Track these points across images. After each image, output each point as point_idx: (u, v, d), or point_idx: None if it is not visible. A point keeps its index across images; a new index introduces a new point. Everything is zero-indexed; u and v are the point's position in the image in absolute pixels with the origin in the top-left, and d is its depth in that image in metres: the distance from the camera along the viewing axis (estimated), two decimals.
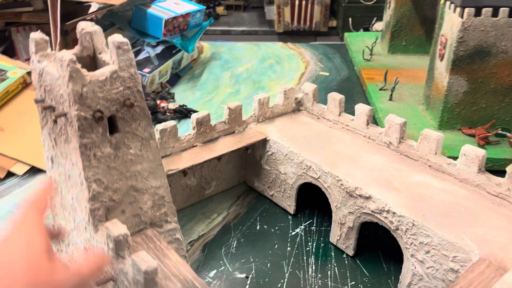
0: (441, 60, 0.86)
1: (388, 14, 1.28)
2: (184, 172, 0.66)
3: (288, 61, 1.34)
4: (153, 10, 1.12)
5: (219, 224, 0.69)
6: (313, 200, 0.71)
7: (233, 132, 0.73)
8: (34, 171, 0.80)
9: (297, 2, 2.01)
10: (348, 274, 0.60)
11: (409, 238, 0.54)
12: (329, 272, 0.61)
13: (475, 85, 0.83)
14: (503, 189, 0.56)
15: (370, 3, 1.94)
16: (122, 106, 0.46)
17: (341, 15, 2.03)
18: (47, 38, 0.47)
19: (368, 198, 0.58)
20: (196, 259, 0.63)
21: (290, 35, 2.10)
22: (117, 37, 0.44)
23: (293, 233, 0.67)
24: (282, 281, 0.59)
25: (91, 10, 1.22)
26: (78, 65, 0.42)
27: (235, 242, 0.66)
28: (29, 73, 0.95)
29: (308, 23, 2.07)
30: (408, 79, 1.11)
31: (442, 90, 0.86)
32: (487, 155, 0.80)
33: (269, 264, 0.62)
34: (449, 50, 0.82)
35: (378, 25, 1.75)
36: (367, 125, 0.69)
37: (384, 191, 0.58)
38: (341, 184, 0.61)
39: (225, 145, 0.70)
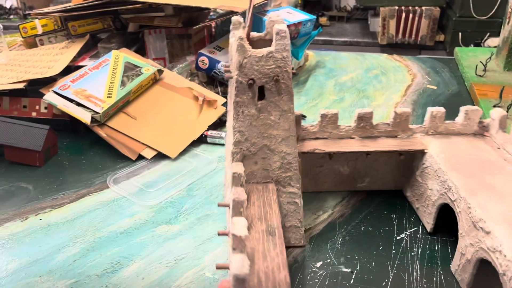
0: None
1: (506, 29, 1.23)
2: (330, 155, 0.73)
3: (394, 73, 1.34)
4: None
5: (324, 221, 0.73)
6: (450, 223, 0.67)
7: (396, 137, 0.75)
8: (160, 156, 0.91)
9: (403, 15, 1.98)
10: (454, 283, 0.60)
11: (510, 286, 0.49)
12: (434, 279, 0.61)
13: None
14: None
15: (484, 18, 1.85)
16: (271, 80, 0.58)
17: (451, 30, 1.96)
18: (241, 20, 0.62)
19: (488, 233, 0.54)
20: (302, 249, 0.67)
21: (394, 48, 2.08)
22: (278, 25, 0.57)
23: (398, 237, 0.69)
24: (386, 280, 0.61)
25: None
26: (245, 42, 0.57)
27: (340, 239, 0.69)
28: (159, 71, 1.07)
29: (413, 36, 2.03)
30: None
31: None
32: None
33: (373, 263, 0.64)
34: None
35: (492, 41, 1.68)
36: None
37: (510, 233, 0.52)
38: (470, 212, 0.58)
39: (379, 145, 0.73)
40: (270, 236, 0.54)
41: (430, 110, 0.73)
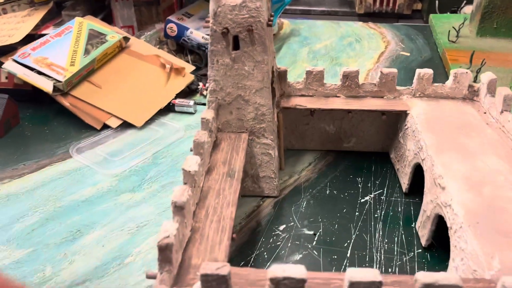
0: None
1: None
2: (311, 112, 0.73)
3: (368, 40, 1.32)
4: None
5: (290, 185, 0.73)
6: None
7: (382, 97, 0.74)
8: (125, 125, 0.89)
9: None
10: (415, 242, 0.61)
11: (455, 239, 0.49)
12: (396, 239, 0.62)
13: None
14: None
15: None
16: (245, 30, 0.59)
17: None
18: None
19: (443, 188, 0.54)
20: (267, 214, 0.67)
21: (371, 17, 2.05)
22: None
23: (363, 200, 0.69)
24: (348, 241, 0.61)
25: None
26: None
27: (305, 203, 0.69)
28: (125, 38, 1.04)
29: (391, 5, 2.01)
30: (496, 63, 1.06)
31: None
32: None
33: (336, 226, 0.64)
34: None
35: (468, 9, 1.66)
36: None
37: (463, 189, 0.52)
38: (433, 170, 0.58)
39: (362, 104, 0.73)
40: (229, 178, 0.57)
41: (418, 71, 0.72)
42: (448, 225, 0.51)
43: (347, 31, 1.40)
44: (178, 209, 0.44)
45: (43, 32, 1.11)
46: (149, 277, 0.42)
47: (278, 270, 0.35)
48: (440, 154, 0.59)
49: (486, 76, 0.68)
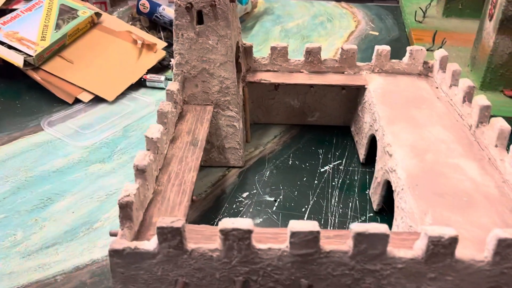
0: (490, 20, 0.86)
1: None
2: (275, 86, 0.77)
3: (340, 19, 1.35)
4: None
5: (255, 156, 0.76)
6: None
7: (343, 73, 0.77)
8: (97, 99, 0.90)
9: None
10: (368, 207, 0.65)
11: (398, 200, 0.53)
12: (350, 204, 0.66)
13: None
14: None
15: None
16: (208, 5, 0.62)
17: None
18: None
19: (391, 155, 0.58)
20: (231, 182, 0.70)
21: None
22: None
23: (322, 170, 0.73)
24: (306, 206, 0.66)
25: None
26: None
27: (268, 172, 0.72)
28: (97, 14, 1.04)
29: None
30: (459, 42, 1.11)
31: (487, 50, 0.86)
32: None
33: (296, 192, 0.68)
34: (498, 10, 0.82)
35: None
36: (463, 103, 0.63)
37: (408, 156, 0.55)
38: (383, 139, 0.62)
39: (324, 79, 0.76)
40: (192, 146, 0.60)
41: (376, 48, 0.76)
42: (393, 188, 0.55)
43: (320, 10, 1.43)
44: (140, 172, 0.47)
45: (14, 6, 1.10)
46: (112, 234, 0.45)
47: (228, 222, 0.39)
48: (391, 125, 0.63)
49: (438, 53, 0.72)
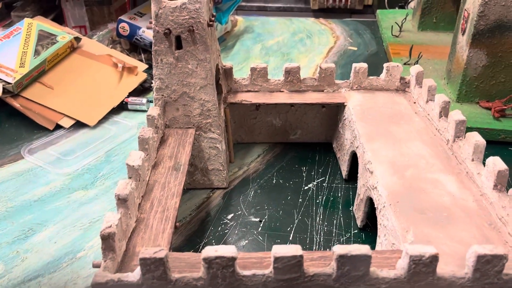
0: (463, 34, 0.88)
1: None
2: (257, 106, 0.78)
3: (319, 36, 1.38)
4: None
5: (239, 176, 0.76)
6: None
7: (322, 91, 0.78)
8: (78, 124, 0.90)
9: None
10: (352, 224, 0.66)
11: (380, 218, 0.54)
12: (335, 221, 0.67)
13: (495, 59, 0.85)
14: (504, 213, 0.50)
15: None
16: (186, 30, 0.62)
17: None
18: None
19: (371, 172, 0.58)
20: (216, 204, 0.70)
21: (325, 12, 2.12)
22: None
23: (306, 187, 0.74)
24: (291, 225, 0.66)
25: None
26: None
27: (252, 192, 0.73)
28: (76, 39, 1.04)
29: (343, 0, 2.08)
30: (434, 55, 1.13)
31: (461, 63, 0.88)
32: (502, 127, 0.83)
33: (281, 212, 0.68)
34: (470, 24, 0.85)
35: (414, 3, 1.75)
36: (440, 117, 0.65)
37: (388, 173, 0.56)
38: (364, 156, 0.62)
39: (304, 98, 0.77)
40: (174, 171, 0.60)
41: (354, 65, 0.77)
42: (376, 205, 0.56)
43: (299, 27, 1.45)
44: (122, 201, 0.47)
45: None
46: (95, 266, 0.44)
47: (211, 250, 0.39)
48: (371, 142, 0.64)
49: (414, 69, 0.74)
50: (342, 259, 0.38)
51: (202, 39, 0.63)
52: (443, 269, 0.40)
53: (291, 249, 0.39)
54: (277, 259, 0.39)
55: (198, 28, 0.62)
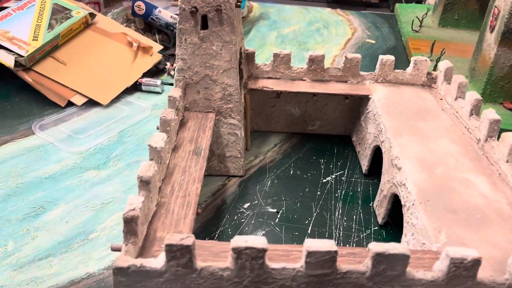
0: (491, 31, 0.86)
1: None
2: (278, 94, 0.75)
3: (336, 27, 1.35)
4: None
5: (256, 165, 0.74)
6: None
7: (346, 82, 0.76)
8: (91, 103, 0.87)
9: None
10: (372, 220, 0.64)
11: (408, 216, 0.52)
12: (354, 217, 0.65)
13: None
14: None
15: None
16: (213, 9, 0.59)
17: None
18: None
19: (399, 169, 0.56)
20: (232, 192, 0.68)
21: (340, 4, 2.08)
22: None
23: (324, 180, 0.72)
24: (309, 218, 0.64)
25: None
26: None
27: (269, 182, 0.71)
28: (91, 15, 1.01)
29: None
30: (456, 53, 1.11)
31: (488, 62, 0.86)
32: None
33: (298, 204, 0.67)
34: (501, 21, 0.82)
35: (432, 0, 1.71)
36: (470, 116, 0.63)
37: (417, 170, 0.54)
38: (390, 151, 0.60)
39: (327, 88, 0.74)
40: (195, 156, 0.58)
41: (381, 57, 0.74)
42: (402, 202, 0.54)
43: (316, 16, 1.42)
44: (144, 183, 0.45)
45: (5, 5, 1.07)
46: (114, 249, 0.43)
47: (240, 240, 0.37)
48: (398, 137, 0.61)
49: (443, 64, 0.72)
50: (379, 258, 0.37)
51: (230, 20, 0.61)
52: (481, 273, 0.38)
53: (325, 244, 0.37)
54: (310, 254, 0.37)
55: (226, 8, 0.60)
